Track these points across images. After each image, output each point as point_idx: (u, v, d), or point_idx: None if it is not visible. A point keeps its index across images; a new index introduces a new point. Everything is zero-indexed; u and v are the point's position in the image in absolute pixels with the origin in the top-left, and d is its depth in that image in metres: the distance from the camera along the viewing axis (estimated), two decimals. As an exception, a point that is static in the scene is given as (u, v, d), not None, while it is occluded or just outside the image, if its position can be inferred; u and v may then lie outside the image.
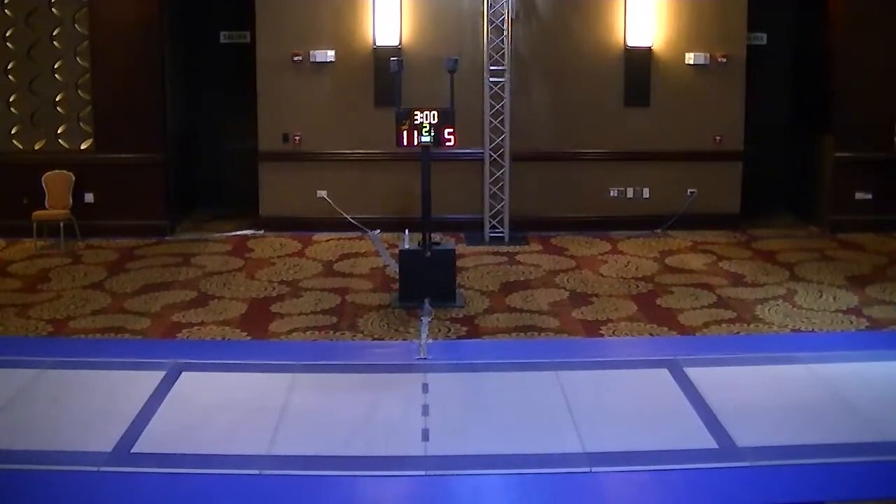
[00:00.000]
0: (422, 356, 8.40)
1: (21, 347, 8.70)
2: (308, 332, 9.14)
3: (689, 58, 12.62)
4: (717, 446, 6.73)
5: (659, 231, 12.68)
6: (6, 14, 12.27)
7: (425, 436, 6.88)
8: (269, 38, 12.43)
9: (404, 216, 11.85)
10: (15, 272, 11.01)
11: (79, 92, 12.42)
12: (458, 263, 10.53)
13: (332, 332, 9.17)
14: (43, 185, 12.12)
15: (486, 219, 12.48)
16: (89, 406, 7.35)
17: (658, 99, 12.68)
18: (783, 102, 13.88)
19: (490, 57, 12.23)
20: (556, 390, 7.60)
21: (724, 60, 12.60)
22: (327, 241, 12.31)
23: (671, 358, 8.22)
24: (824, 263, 11.29)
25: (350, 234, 12.43)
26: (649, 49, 12.60)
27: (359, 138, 12.58)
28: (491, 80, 12.26)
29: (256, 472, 6.39)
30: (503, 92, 12.25)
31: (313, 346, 8.82)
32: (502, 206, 12.43)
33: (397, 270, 10.01)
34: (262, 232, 12.64)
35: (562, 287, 10.51)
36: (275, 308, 9.82)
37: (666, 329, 9.20)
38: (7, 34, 12.31)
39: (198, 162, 13.79)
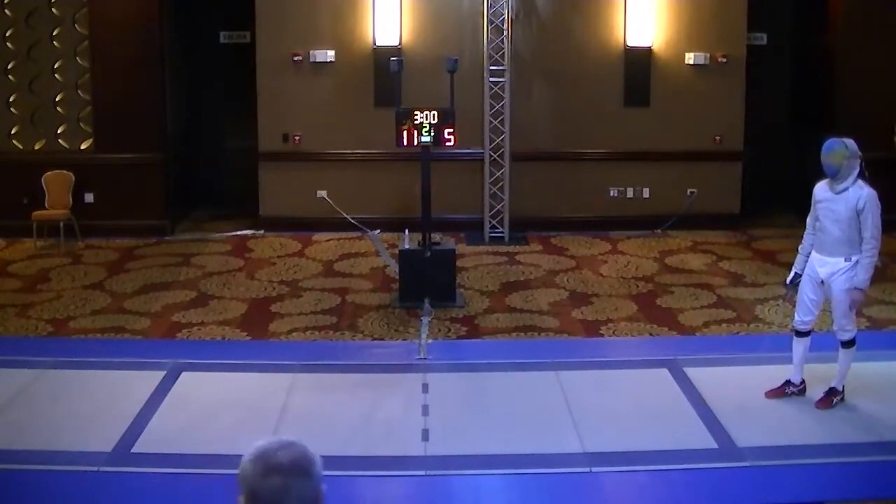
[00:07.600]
0: (422, 356, 8.38)
1: (21, 347, 8.68)
2: (308, 332, 9.13)
3: (689, 58, 12.61)
4: (717, 446, 6.72)
5: (659, 231, 12.67)
6: (6, 14, 12.27)
7: (425, 436, 6.87)
8: (269, 38, 12.43)
9: (404, 216, 11.83)
10: (15, 272, 11.01)
11: (79, 92, 12.42)
12: (458, 263, 10.52)
13: (332, 332, 9.16)
14: (43, 185, 12.11)
15: (486, 219, 12.47)
16: (89, 406, 7.33)
17: (658, 99, 12.67)
18: (783, 102, 13.87)
19: (490, 57, 12.22)
20: (556, 390, 7.60)
21: (724, 60, 12.59)
22: (327, 241, 12.30)
23: (671, 358, 8.20)
24: (824, 263, 11.27)
25: (350, 234, 12.42)
26: (649, 49, 12.60)
27: (359, 138, 12.57)
28: (491, 80, 12.25)
29: (256, 471, 6.38)
30: (503, 92, 12.24)
31: (313, 346, 8.81)
32: (502, 206, 12.42)
33: (397, 270, 10.00)
34: (262, 232, 12.62)
35: (562, 287, 10.51)
36: (275, 308, 9.82)
37: (666, 329, 9.20)
38: (7, 34, 12.30)
39: (198, 162, 13.79)
